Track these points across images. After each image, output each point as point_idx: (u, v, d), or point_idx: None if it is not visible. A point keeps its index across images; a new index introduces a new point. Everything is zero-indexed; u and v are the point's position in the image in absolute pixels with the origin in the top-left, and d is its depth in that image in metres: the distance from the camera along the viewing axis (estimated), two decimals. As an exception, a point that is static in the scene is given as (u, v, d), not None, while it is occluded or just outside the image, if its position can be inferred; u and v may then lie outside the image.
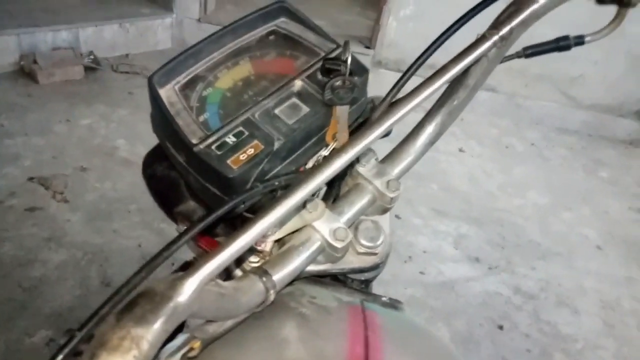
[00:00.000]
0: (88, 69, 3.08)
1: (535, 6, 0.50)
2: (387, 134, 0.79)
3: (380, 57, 3.59)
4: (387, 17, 3.45)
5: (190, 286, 0.32)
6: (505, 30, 0.47)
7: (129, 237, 2.00)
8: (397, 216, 2.38)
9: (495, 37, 0.46)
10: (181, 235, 0.39)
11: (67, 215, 2.06)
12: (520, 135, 3.42)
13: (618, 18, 0.58)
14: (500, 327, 1.90)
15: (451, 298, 1.99)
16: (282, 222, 0.50)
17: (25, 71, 2.91)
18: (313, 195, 0.60)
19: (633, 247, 2.48)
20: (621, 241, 2.51)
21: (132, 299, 0.30)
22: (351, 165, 0.58)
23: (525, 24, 0.49)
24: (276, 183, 0.49)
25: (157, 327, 0.28)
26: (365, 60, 3.49)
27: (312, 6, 4.17)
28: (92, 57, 3.15)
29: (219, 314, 0.40)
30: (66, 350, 0.31)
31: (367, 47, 3.57)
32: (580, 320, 2.00)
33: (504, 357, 1.78)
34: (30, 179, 2.20)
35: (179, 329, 0.45)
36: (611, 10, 0.60)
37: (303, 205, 0.51)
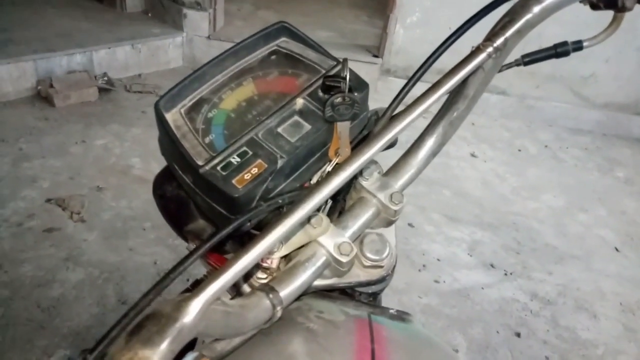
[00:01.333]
0: (102, 90, 3.15)
1: (529, 16, 0.51)
2: (391, 145, 0.80)
3: (389, 65, 3.61)
4: (394, 25, 3.48)
5: (195, 306, 0.33)
6: (499, 41, 0.48)
7: (145, 254, 2.03)
8: (410, 224, 2.37)
9: (490, 49, 0.47)
10: (188, 256, 0.40)
11: (84, 235, 2.10)
12: (533, 137, 3.39)
13: (615, 22, 0.59)
14: (518, 335, 1.87)
15: (467, 306, 1.97)
16: (287, 238, 0.51)
17: (42, 95, 2.99)
18: (318, 210, 0.61)
19: (653, 248, 2.43)
20: (640, 242, 2.47)
21: (140, 322, 0.31)
22: (355, 179, 0.59)
23: (519, 34, 0.50)
24: (280, 200, 0.50)
25: (163, 348, 0.30)
26: (374, 69, 3.50)
27: (319, 18, 4.22)
28: (105, 78, 3.23)
29: (226, 331, 0.41)
30: (79, 373, 0.32)
31: (375, 56, 3.59)
32: (599, 325, 1.96)
33: (524, 365, 1.76)
34: (48, 200, 2.25)
35: (190, 347, 0.46)
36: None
37: (308, 220, 0.52)
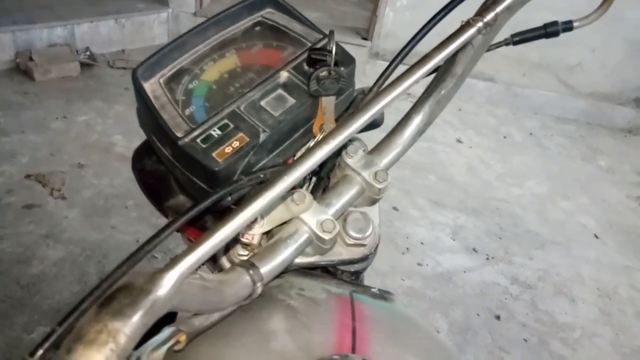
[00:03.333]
0: (84, 65, 3.07)
1: (520, -8, 0.50)
2: (377, 125, 0.79)
3: (378, 49, 3.58)
4: (383, 8, 3.43)
5: (170, 279, 0.32)
6: (489, 16, 0.46)
7: (127, 232, 2.00)
8: (394, 208, 2.38)
9: (480, 24, 0.46)
10: (164, 228, 0.39)
11: (64, 212, 2.06)
12: (519, 124, 3.41)
13: (606, 3, 0.58)
14: (498, 317, 1.90)
15: (449, 289, 1.99)
16: (267, 212, 0.50)
17: (21, 69, 2.91)
18: (301, 187, 0.60)
19: (631, 236, 2.48)
20: (619, 230, 2.51)
21: (111, 293, 0.30)
22: (339, 157, 0.58)
23: (510, 10, 0.49)
24: (261, 175, 0.49)
25: (135, 321, 0.28)
26: (363, 52, 3.47)
27: (308, -2, 4.15)
28: (88, 53, 3.14)
29: (203, 306, 0.40)
30: (46, 345, 0.31)
31: (365, 39, 3.55)
32: (577, 309, 2.01)
33: (501, 347, 1.79)
34: (28, 176, 2.20)
35: (171, 322, 0.45)
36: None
37: (290, 197, 0.51)
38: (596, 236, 2.45)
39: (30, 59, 2.88)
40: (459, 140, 3.08)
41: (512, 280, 2.09)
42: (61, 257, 1.86)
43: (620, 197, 2.79)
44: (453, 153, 2.94)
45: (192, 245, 0.34)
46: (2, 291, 1.70)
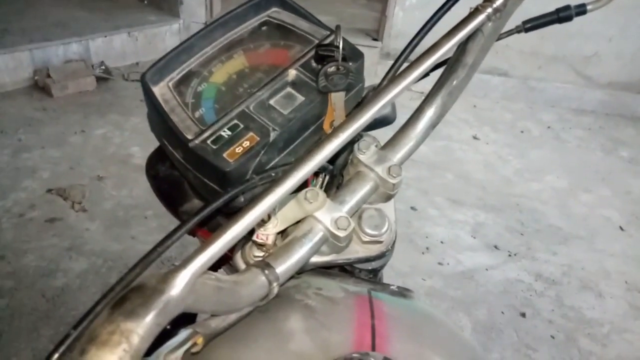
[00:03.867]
0: (100, 80, 3.12)
1: (530, -23, 0.49)
2: (391, 122, 0.78)
3: (389, 49, 3.56)
4: (392, 8, 3.42)
5: (182, 279, 0.32)
6: (498, 2, 0.45)
7: (147, 242, 2.02)
8: (412, 208, 2.35)
9: (489, 10, 0.45)
10: (175, 230, 0.39)
11: (86, 224, 2.09)
12: (536, 118, 3.36)
13: (620, -16, 0.56)
14: (523, 315, 1.86)
15: (471, 287, 1.96)
16: (280, 211, 0.49)
17: (39, 85, 2.97)
18: (315, 185, 0.60)
19: (658, 227, 2.41)
20: (646, 221, 2.45)
21: (124, 294, 0.30)
22: (351, 154, 0.57)
23: (520, -5, 0.48)
24: (273, 174, 0.49)
25: (148, 321, 0.28)
26: (374, 53, 3.46)
27: (317, 2, 4.16)
28: (103, 67, 3.20)
29: (218, 307, 0.40)
30: (62, 349, 0.31)
31: (375, 40, 3.54)
32: (605, 304, 1.95)
33: (528, 345, 1.75)
34: (49, 190, 2.24)
35: (184, 324, 0.45)
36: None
37: (304, 196, 0.51)
38: (621, 228, 2.38)
39: (48, 75, 2.95)
40: (475, 137, 3.04)
41: (536, 277, 2.05)
42: (84, 268, 1.89)
43: (645, 188, 2.72)
44: (470, 150, 2.90)
45: (204, 244, 0.34)
46: (29, 304, 1.73)
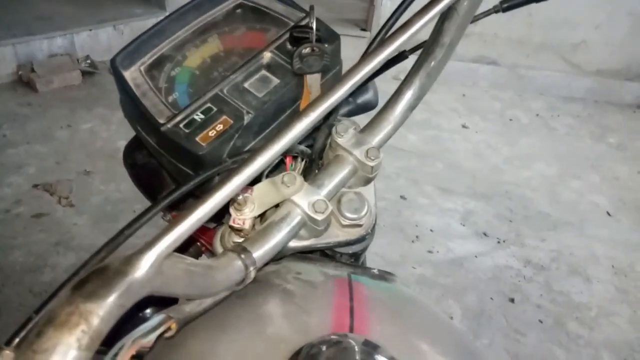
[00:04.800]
0: (86, 74, 3.09)
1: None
2: (373, 107, 0.77)
3: (377, 39, 3.54)
4: (380, -2, 3.41)
5: (147, 260, 0.31)
6: (472, -21, 0.45)
7: (136, 236, 1.97)
8: (402, 197, 2.36)
9: (462, -13, 0.44)
10: (144, 212, 0.38)
11: (73, 219, 2.07)
12: (525, 106, 3.37)
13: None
14: (512, 300, 1.88)
15: (461, 274, 1.97)
16: (258, 197, 0.49)
17: (24, 80, 2.93)
18: (293, 169, 0.59)
19: (645, 212, 2.43)
20: (633, 207, 2.47)
21: (85, 276, 0.29)
22: (330, 137, 0.56)
23: (494, -28, 0.47)
24: (245, 157, 0.48)
25: (109, 302, 0.28)
26: (362, 43, 3.44)
27: (304, -7, 4.13)
28: (88, 61, 3.16)
29: (191, 291, 0.39)
30: (23, 333, 0.30)
31: (364, 30, 3.53)
32: (593, 288, 1.97)
33: (517, 330, 1.76)
34: (35, 186, 2.21)
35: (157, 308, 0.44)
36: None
37: (281, 179, 0.50)
38: (609, 214, 2.40)
39: (32, 70, 2.91)
40: (464, 126, 3.04)
41: (525, 263, 2.06)
42: (72, 263, 1.87)
43: (632, 174, 2.74)
44: (459, 139, 2.90)
45: (169, 225, 0.33)
46: (16, 300, 1.72)
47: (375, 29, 3.51)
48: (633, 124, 3.27)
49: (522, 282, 1.97)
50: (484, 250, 2.10)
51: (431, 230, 2.18)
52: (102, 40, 3.29)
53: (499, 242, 2.16)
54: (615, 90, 3.53)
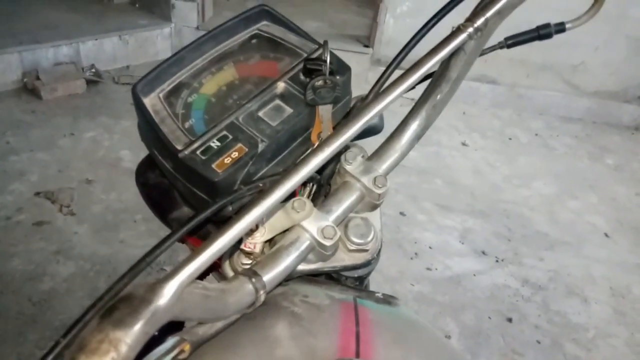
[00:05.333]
0: (90, 83, 3.11)
1: (509, -4, 0.50)
2: (379, 131, 0.79)
3: (379, 55, 3.59)
4: (384, 15, 3.46)
5: (170, 288, 0.33)
6: (479, 21, 0.47)
7: (136, 246, 2.02)
8: (401, 213, 2.37)
9: (470, 29, 0.47)
10: (165, 240, 0.40)
11: (74, 228, 2.08)
12: (524, 125, 3.40)
13: (597, 3, 0.58)
14: (510, 320, 1.89)
15: (459, 293, 1.98)
16: (268, 217, 0.50)
17: (29, 88, 2.96)
18: (302, 195, 0.61)
19: (642, 233, 2.45)
20: (630, 228, 2.49)
21: (113, 304, 0.30)
22: (339, 164, 0.58)
23: (500, 14, 0.49)
24: (261, 184, 0.50)
25: (136, 330, 0.29)
26: (365, 59, 3.49)
27: (308, 8, 4.19)
28: (93, 70, 3.19)
29: (206, 315, 0.41)
30: (50, 357, 0.31)
31: (366, 46, 3.57)
32: (590, 309, 1.99)
33: (514, 350, 1.77)
34: (37, 193, 2.23)
35: (172, 332, 0.46)
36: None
37: (291, 205, 0.52)
38: (606, 235, 2.42)
39: (37, 78, 2.93)
40: (464, 144, 3.07)
41: (523, 282, 2.08)
42: (72, 272, 1.88)
43: (630, 195, 2.76)
44: (459, 156, 2.93)
45: (192, 254, 0.35)
46: (15, 308, 1.72)
47: (377, 45, 3.55)
48: (631, 146, 3.31)
49: (519, 301, 1.98)
50: (482, 269, 2.12)
51: (430, 247, 2.20)
52: (107, 49, 3.32)
53: (497, 260, 2.17)
54: (614, 112, 3.58)
